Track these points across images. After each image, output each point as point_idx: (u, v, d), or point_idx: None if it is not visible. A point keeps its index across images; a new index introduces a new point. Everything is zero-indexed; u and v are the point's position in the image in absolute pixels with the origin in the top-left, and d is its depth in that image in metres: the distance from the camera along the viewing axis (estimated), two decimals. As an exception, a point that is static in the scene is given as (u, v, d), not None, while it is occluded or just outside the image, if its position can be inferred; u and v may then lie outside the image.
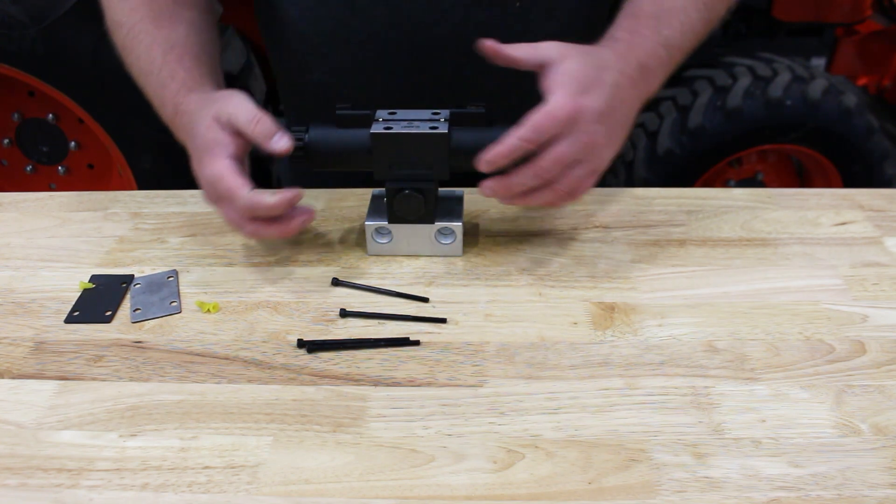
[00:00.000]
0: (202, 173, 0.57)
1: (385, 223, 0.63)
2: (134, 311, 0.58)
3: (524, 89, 0.63)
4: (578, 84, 0.53)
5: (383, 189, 0.62)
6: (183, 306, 0.59)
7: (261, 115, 0.56)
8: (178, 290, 0.61)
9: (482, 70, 0.61)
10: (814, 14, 1.75)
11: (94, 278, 0.62)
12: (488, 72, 0.61)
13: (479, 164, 0.55)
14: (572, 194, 0.56)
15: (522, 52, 0.55)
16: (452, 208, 0.65)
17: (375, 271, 0.63)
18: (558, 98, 0.53)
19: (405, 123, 0.59)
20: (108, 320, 0.58)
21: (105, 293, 0.60)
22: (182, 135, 0.61)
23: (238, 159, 0.57)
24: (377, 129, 0.59)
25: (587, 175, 0.56)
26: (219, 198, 0.57)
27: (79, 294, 0.61)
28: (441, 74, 0.69)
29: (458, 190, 0.67)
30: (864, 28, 1.84)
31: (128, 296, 0.61)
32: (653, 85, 0.60)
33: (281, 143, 0.56)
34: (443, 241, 0.64)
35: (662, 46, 0.60)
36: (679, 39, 0.61)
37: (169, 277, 0.62)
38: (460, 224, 0.63)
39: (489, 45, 0.56)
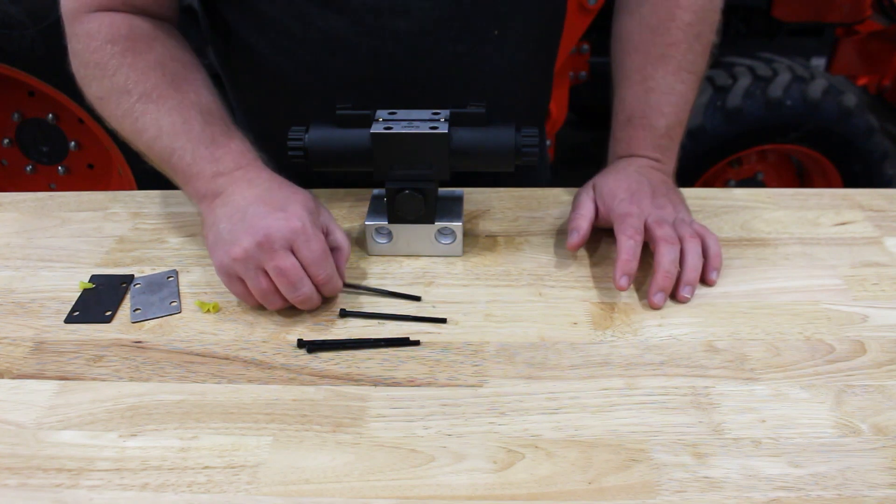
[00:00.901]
0: (284, 214, 0.54)
1: (385, 223, 0.63)
2: (134, 311, 0.58)
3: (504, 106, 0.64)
4: (623, 190, 0.63)
5: (383, 189, 0.62)
6: (183, 306, 0.59)
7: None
8: (178, 290, 0.61)
9: (462, 101, 0.61)
10: (814, 14, 1.75)
11: (93, 278, 0.62)
12: (469, 101, 0.62)
13: (620, 286, 0.58)
14: (704, 234, 0.62)
15: (589, 218, 0.64)
16: (452, 208, 0.65)
17: (375, 271, 0.63)
18: (621, 204, 0.62)
19: (405, 123, 0.59)
20: (108, 320, 0.58)
21: (105, 293, 0.60)
22: (243, 184, 0.58)
23: None
24: (377, 129, 0.59)
25: (689, 225, 0.62)
26: (291, 244, 0.54)
27: (79, 294, 0.61)
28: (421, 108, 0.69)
29: (457, 190, 0.67)
30: (864, 28, 1.85)
31: (128, 296, 0.61)
32: (669, 165, 0.69)
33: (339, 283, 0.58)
34: (443, 241, 0.64)
35: (663, 136, 0.67)
36: (675, 119, 0.68)
37: (169, 277, 0.62)
38: (460, 224, 0.63)
39: (575, 245, 0.62)
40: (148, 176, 1.59)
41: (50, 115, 1.52)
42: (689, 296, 0.59)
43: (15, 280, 0.63)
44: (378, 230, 0.64)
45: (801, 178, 1.74)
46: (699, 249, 0.60)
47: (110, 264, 0.65)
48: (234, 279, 0.56)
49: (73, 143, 1.55)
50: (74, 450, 0.47)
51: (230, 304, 0.59)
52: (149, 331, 0.57)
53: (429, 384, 0.51)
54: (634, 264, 0.59)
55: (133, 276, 0.62)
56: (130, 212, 0.72)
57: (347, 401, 0.50)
